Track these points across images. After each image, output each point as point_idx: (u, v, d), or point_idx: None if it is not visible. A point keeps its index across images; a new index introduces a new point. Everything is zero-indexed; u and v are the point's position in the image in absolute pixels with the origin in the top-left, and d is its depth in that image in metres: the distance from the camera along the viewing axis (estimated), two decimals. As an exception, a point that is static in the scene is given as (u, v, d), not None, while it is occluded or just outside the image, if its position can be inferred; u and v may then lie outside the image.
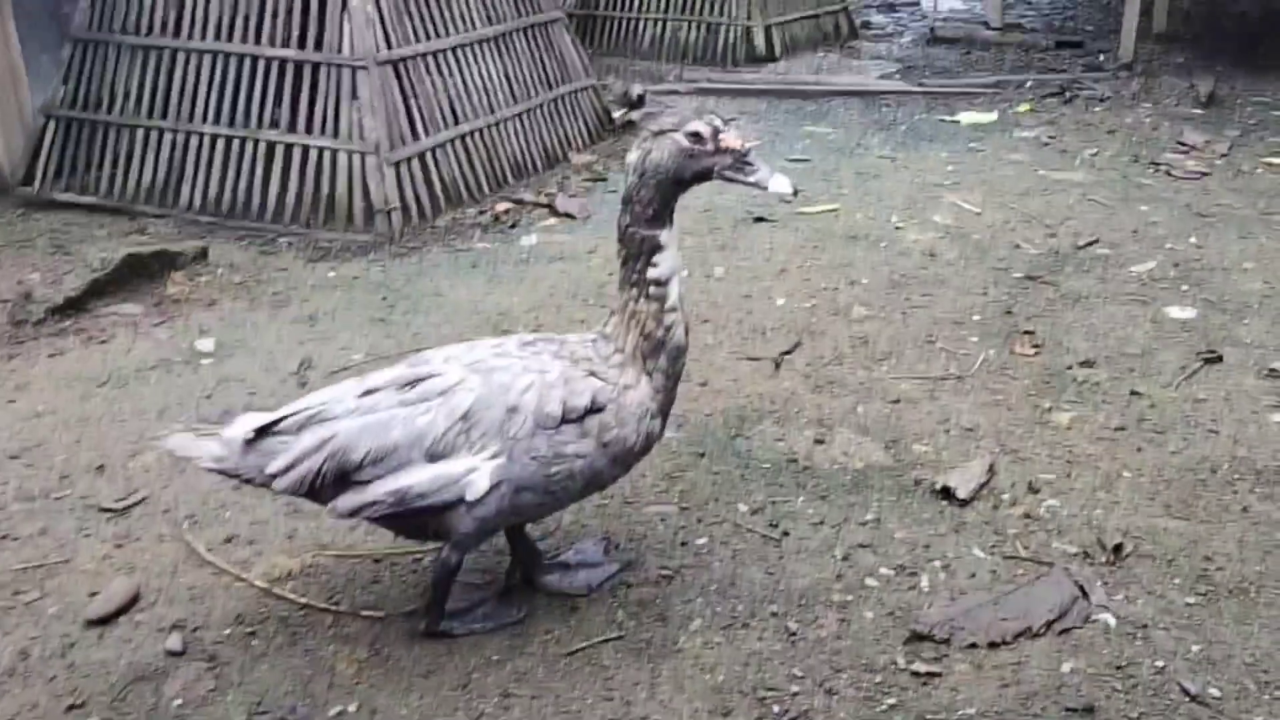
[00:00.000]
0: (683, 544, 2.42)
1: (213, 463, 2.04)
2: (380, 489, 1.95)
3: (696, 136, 1.96)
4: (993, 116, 6.36)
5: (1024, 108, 6.56)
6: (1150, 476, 2.67)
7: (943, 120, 6.33)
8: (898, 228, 4.48)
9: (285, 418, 2.03)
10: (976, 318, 3.62)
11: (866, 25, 9.53)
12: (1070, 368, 3.26)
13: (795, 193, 1.99)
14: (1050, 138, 5.89)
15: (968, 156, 5.54)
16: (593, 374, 2.05)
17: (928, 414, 2.99)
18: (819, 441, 2.84)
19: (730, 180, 1.99)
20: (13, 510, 2.56)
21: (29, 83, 5.15)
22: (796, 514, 2.53)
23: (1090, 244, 4.28)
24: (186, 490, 2.63)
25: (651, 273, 2.02)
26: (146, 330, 3.60)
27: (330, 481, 1.97)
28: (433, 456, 1.96)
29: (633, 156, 2.00)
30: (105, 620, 2.16)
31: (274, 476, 1.98)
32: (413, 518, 2.00)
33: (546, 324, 3.61)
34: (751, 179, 1.98)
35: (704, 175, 1.99)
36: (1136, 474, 2.68)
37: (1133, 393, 3.09)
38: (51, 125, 4.97)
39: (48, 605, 2.23)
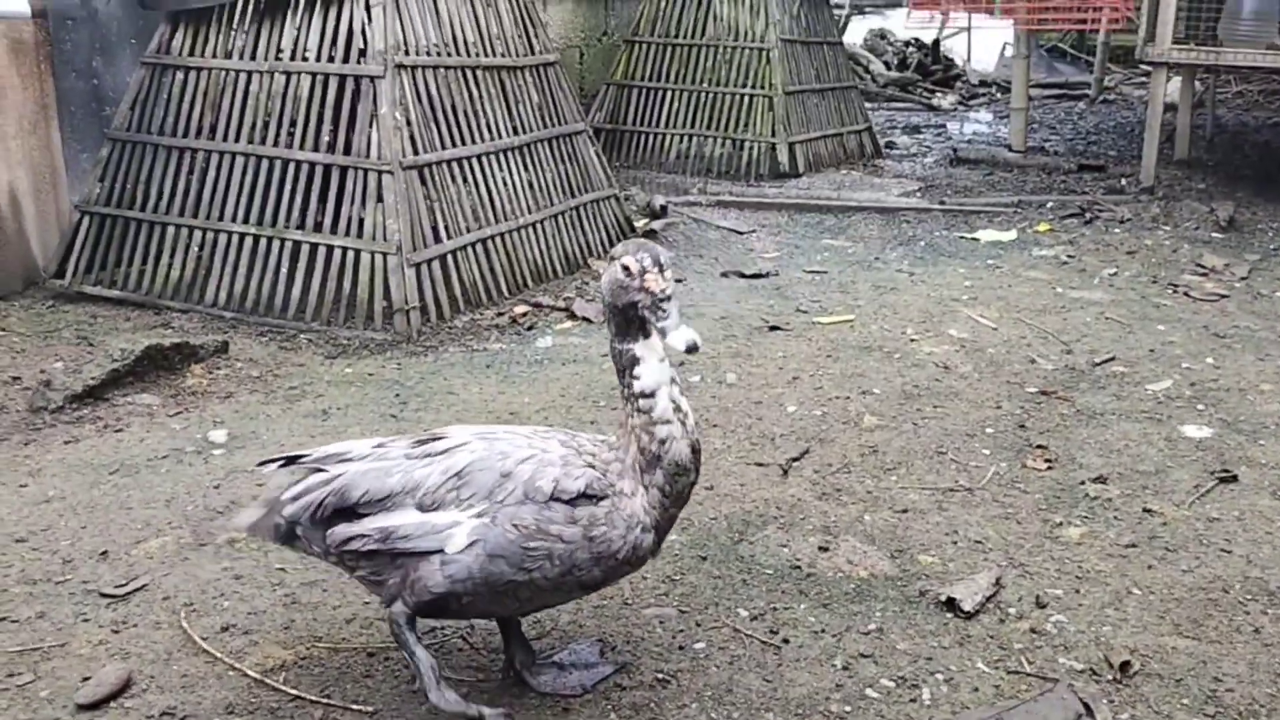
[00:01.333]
0: (680, 648, 2.38)
1: (249, 526, 2.20)
2: (369, 524, 2.06)
3: (626, 270, 1.98)
4: (1012, 235, 6.43)
5: (1043, 227, 6.63)
6: (1161, 595, 2.62)
7: (962, 237, 6.40)
8: (912, 340, 4.50)
9: (308, 455, 2.21)
10: (989, 431, 3.60)
11: (890, 145, 9.71)
12: (1083, 483, 3.22)
13: (693, 349, 1.92)
14: (1069, 257, 5.93)
15: (986, 273, 5.59)
16: (594, 467, 2.05)
17: (935, 525, 2.96)
18: (824, 549, 2.81)
19: (645, 320, 1.98)
20: (14, 593, 2.56)
21: (67, 180, 5.32)
22: (798, 621, 2.49)
23: (1106, 361, 4.27)
24: (187, 579, 2.62)
25: (635, 385, 2.03)
26: (162, 420, 3.64)
27: (328, 514, 2.09)
28: (422, 506, 2.05)
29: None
30: (96, 705, 2.14)
31: (285, 502, 2.13)
32: (390, 561, 2.04)
33: (556, 424, 3.61)
34: (659, 324, 1.95)
35: (632, 307, 1.99)
36: (1147, 592, 2.63)
37: (1145, 510, 3.05)
38: (86, 221, 5.12)
39: (40, 689, 2.21)
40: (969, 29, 15.34)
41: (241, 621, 2.45)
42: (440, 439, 2.16)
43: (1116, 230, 6.57)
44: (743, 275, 5.51)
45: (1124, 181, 7.94)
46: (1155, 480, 3.25)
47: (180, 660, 2.31)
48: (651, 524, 2.06)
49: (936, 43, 14.74)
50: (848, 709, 2.19)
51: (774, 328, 4.64)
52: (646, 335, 2.02)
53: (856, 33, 15.35)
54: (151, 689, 2.21)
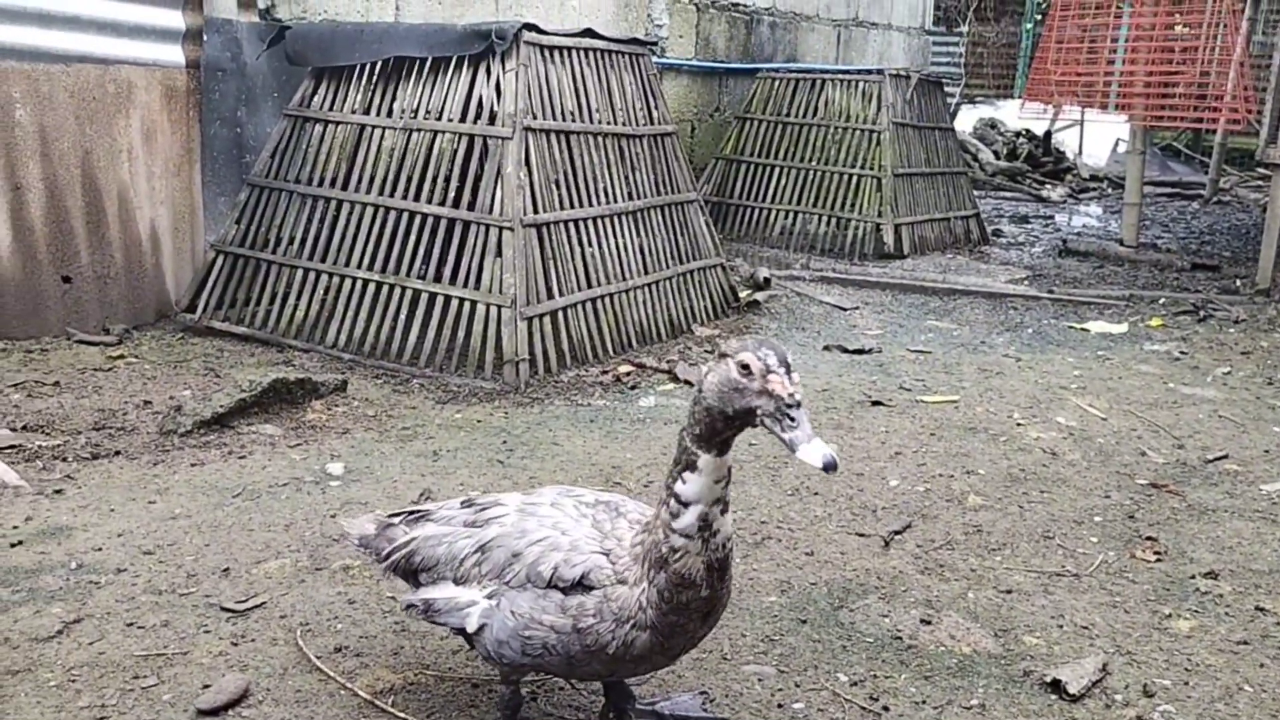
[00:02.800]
0: (779, 706, 2.39)
1: (359, 539, 2.27)
2: (420, 594, 2.12)
3: (745, 369, 1.73)
4: (1123, 328, 6.34)
5: (1156, 322, 6.53)
6: (1273, 693, 2.54)
7: (1071, 327, 6.33)
8: (1019, 424, 4.46)
9: (407, 513, 2.29)
10: (1097, 519, 3.55)
11: (998, 233, 9.68)
12: (1193, 577, 3.15)
13: (830, 468, 1.68)
14: (1181, 353, 5.83)
15: (1095, 364, 5.52)
16: (608, 553, 1.93)
17: (1040, 607, 2.92)
18: (925, 622, 2.79)
19: (768, 429, 1.73)
20: (141, 601, 2.69)
21: (205, 221, 5.62)
22: (898, 691, 2.48)
23: (1219, 459, 4.18)
24: (304, 600, 2.72)
25: (677, 487, 1.84)
26: (283, 450, 3.78)
27: (403, 575, 2.19)
28: (456, 580, 2.08)
29: (703, 369, 1.84)
30: (215, 712, 2.23)
31: (380, 558, 2.22)
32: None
33: (656, 481, 3.67)
34: (785, 435, 1.70)
35: (748, 414, 1.75)
36: (1259, 689, 2.55)
37: (1258, 609, 2.97)
38: (220, 260, 5.38)
39: (163, 692, 2.31)
40: (1081, 122, 15.25)
41: (354, 644, 2.53)
42: (489, 507, 2.13)
43: (1231, 330, 6.43)
44: (845, 350, 5.54)
45: (1239, 283, 7.78)
46: (1269, 580, 3.16)
47: (295, 676, 2.40)
48: (648, 623, 1.88)
49: (1048, 134, 14.68)
50: (948, 781, 2.17)
51: (876, 403, 4.65)
52: (723, 453, 1.81)
53: (967, 121, 15.37)
54: (267, 701, 2.30)
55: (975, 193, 9.91)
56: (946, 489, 3.73)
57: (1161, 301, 7.09)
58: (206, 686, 2.32)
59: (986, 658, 2.65)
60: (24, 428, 3.84)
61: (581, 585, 1.91)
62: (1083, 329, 6.29)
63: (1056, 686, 2.49)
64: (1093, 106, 11.34)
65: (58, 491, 3.35)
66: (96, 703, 2.27)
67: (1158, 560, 3.26)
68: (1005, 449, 4.17)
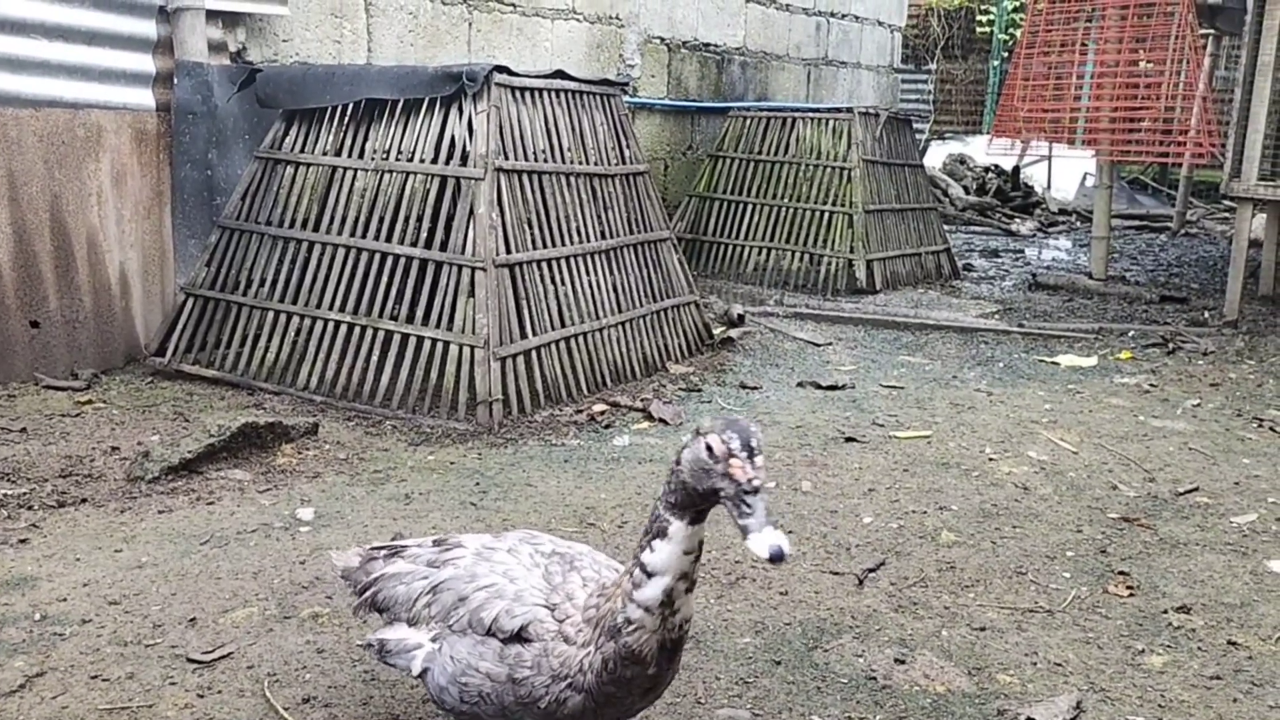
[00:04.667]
0: (753, 750, 2.37)
1: (343, 570, 2.28)
2: (376, 634, 2.12)
3: (709, 450, 1.71)
4: (1092, 361, 6.39)
5: (1125, 355, 6.58)
6: (1249, 730, 2.54)
7: (1041, 360, 6.38)
8: (991, 459, 4.48)
9: (388, 547, 2.26)
10: (1069, 554, 3.56)
11: (969, 268, 9.76)
12: (1165, 612, 3.16)
13: (777, 559, 1.61)
14: (1151, 386, 5.88)
15: (1065, 397, 5.56)
16: (553, 607, 1.89)
17: (1014, 645, 2.92)
18: (900, 661, 2.78)
19: (727, 510, 1.71)
20: (106, 653, 2.65)
21: (175, 264, 5.59)
22: (872, 732, 2.46)
23: (1190, 492, 4.21)
24: (272, 649, 2.68)
25: (645, 555, 1.79)
26: (252, 496, 3.75)
27: (375, 610, 2.18)
28: (409, 620, 2.07)
29: (685, 441, 1.81)
30: (178, 766, 2.19)
31: (356, 591, 2.22)
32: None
33: (631, 521, 3.66)
34: (740, 521, 1.67)
35: (713, 494, 1.72)
36: (1234, 726, 2.56)
37: (1230, 643, 2.98)
38: (190, 303, 5.35)
39: (125, 746, 2.27)
40: (1049, 157, 15.46)
41: (322, 694, 2.50)
42: (452, 547, 2.13)
43: (1200, 362, 6.50)
44: (819, 386, 5.55)
45: (1207, 314, 7.87)
46: (1240, 613, 3.17)
47: (262, 728, 2.36)
48: (584, 686, 1.83)
49: (1016, 170, 14.86)
50: (923, 824, 2.15)
51: (850, 439, 4.66)
52: (696, 522, 1.77)
53: (936, 157, 15.55)
54: (234, 754, 2.26)
55: (946, 228, 10.01)
56: (920, 525, 3.73)
57: (1131, 334, 7.16)
58: (171, 740, 2.28)
59: (961, 697, 2.64)
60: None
61: (520, 637, 1.89)
62: (1053, 362, 6.34)
63: (1031, 725, 2.49)
64: (1060, 141, 11.51)
65: (22, 541, 3.30)
66: (58, 759, 2.22)
67: (1130, 595, 3.27)
68: (978, 484, 4.18)
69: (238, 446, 4.04)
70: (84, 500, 3.64)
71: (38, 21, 4.92)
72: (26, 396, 4.73)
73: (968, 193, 14.24)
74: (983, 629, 3.00)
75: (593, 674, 1.81)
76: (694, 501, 1.75)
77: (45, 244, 5.00)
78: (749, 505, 1.66)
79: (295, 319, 5.12)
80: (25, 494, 3.65)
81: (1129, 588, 3.32)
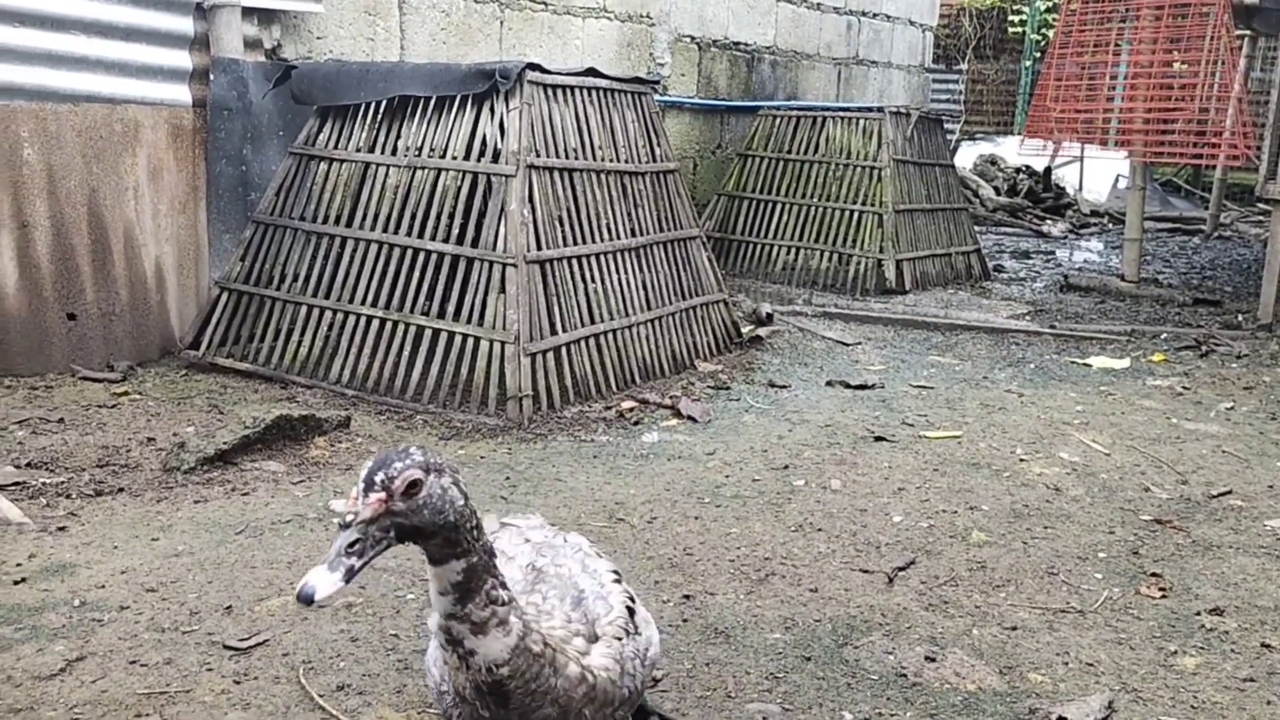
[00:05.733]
0: (784, 745, 2.38)
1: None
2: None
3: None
4: (1125, 363, 6.34)
5: (1158, 357, 6.53)
6: (1284, 733, 2.53)
7: (1073, 362, 6.34)
8: (1022, 460, 4.46)
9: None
10: (1101, 555, 3.54)
11: (999, 269, 9.71)
12: (1198, 614, 3.14)
13: (302, 599, 1.47)
14: (1184, 388, 5.83)
15: (1098, 398, 5.52)
16: (494, 601, 1.67)
17: (1045, 644, 2.91)
18: (930, 659, 2.78)
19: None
20: (144, 639, 2.68)
21: (210, 258, 5.65)
22: (903, 729, 2.46)
23: (1223, 494, 4.17)
24: (306, 638, 2.71)
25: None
26: (286, 487, 3.79)
27: None
28: None
29: None
30: (215, 751, 2.22)
31: None
32: None
33: (660, 517, 3.67)
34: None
35: None
36: (1269, 728, 2.54)
37: (1264, 645, 2.95)
38: (224, 297, 5.40)
39: (164, 730, 2.31)
40: (1081, 159, 15.33)
41: (356, 682, 2.52)
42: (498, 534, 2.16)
43: (1233, 365, 6.43)
44: (848, 385, 5.54)
45: (1241, 318, 7.79)
46: (1275, 616, 3.15)
47: (298, 715, 2.39)
48: (449, 707, 1.81)
49: (1048, 171, 14.75)
50: (954, 820, 2.15)
51: (879, 438, 4.65)
52: (432, 561, 1.62)
53: (967, 157, 15.46)
54: (270, 739, 2.29)
55: (976, 228, 9.95)
56: (950, 525, 3.72)
57: (1163, 337, 7.10)
58: (208, 725, 2.32)
59: (992, 695, 2.64)
60: (28, 465, 3.85)
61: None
62: (1085, 364, 6.30)
63: (1062, 724, 2.48)
64: (1092, 143, 11.42)
65: (61, 529, 3.35)
66: (98, 742, 2.26)
67: (1163, 597, 3.25)
68: (1008, 485, 4.16)
69: (272, 439, 4.08)
70: (121, 489, 3.69)
71: (77, 18, 4.98)
72: (64, 387, 4.80)
73: (998, 194, 14.15)
74: (1014, 628, 2.99)
75: (450, 696, 1.79)
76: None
77: (83, 238, 5.07)
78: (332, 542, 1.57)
79: (328, 313, 5.16)
80: (63, 483, 3.71)
81: (1161, 589, 3.30)
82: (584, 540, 2.18)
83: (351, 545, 1.50)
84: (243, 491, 3.72)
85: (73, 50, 5.00)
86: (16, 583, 2.96)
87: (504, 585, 1.67)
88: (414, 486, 1.54)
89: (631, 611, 1.99)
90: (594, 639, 1.85)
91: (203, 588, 2.97)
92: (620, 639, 1.89)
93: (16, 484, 3.65)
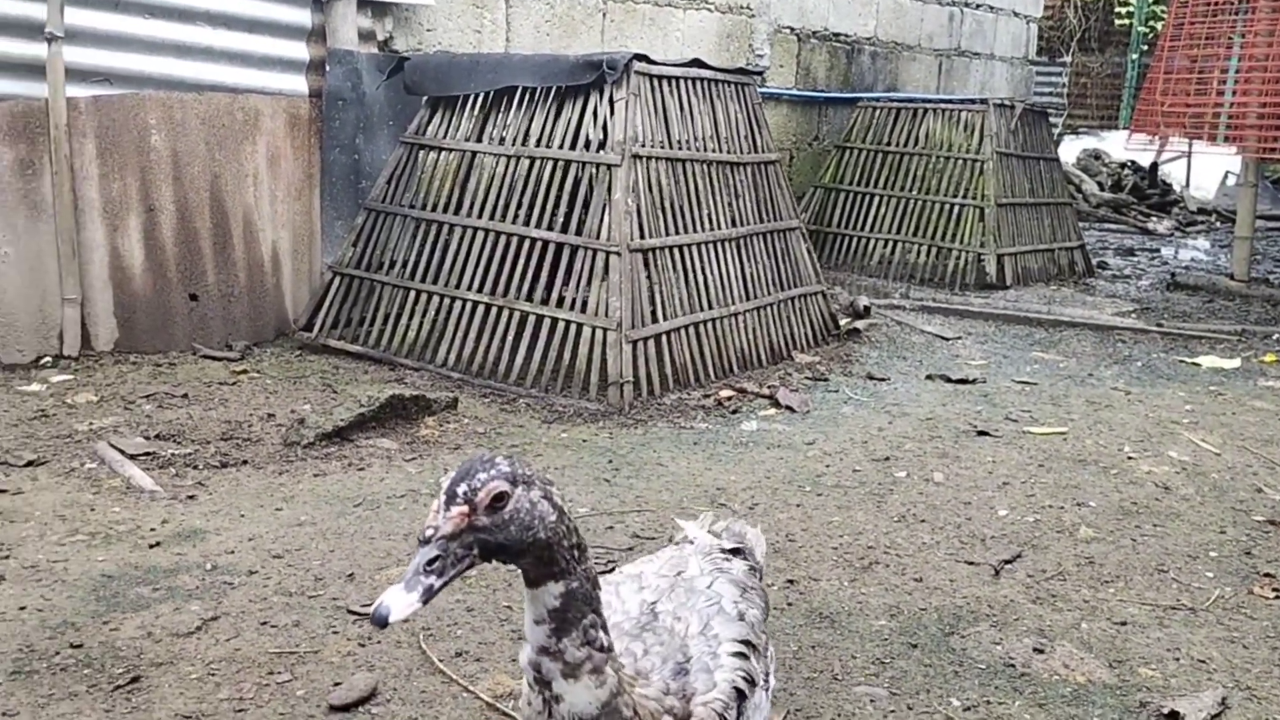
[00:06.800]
0: (892, 727, 2.41)
1: None
2: None
3: None
4: (1235, 363, 6.18)
5: (1270, 358, 6.35)
6: None
7: (1181, 361, 6.20)
8: (1129, 458, 4.39)
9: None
10: (1212, 554, 3.48)
11: (1103, 265, 9.51)
12: (1316, 617, 3.07)
13: (376, 621, 1.36)
14: (1297, 389, 5.66)
15: (1207, 399, 5.39)
16: (591, 642, 1.53)
17: (1156, 640, 2.88)
18: (1038, 651, 2.77)
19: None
20: (272, 601, 2.82)
21: (322, 244, 5.83)
22: (1011, 717, 2.47)
23: (1341, 498, 4.06)
24: (425, 609, 2.81)
25: None
26: (399, 464, 3.91)
27: None
28: None
29: None
30: (346, 708, 2.33)
31: None
32: None
33: (761, 504, 3.70)
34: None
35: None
36: (1393, 732, 2.49)
37: (1389, 650, 2.88)
38: (336, 281, 5.58)
39: (296, 688, 2.42)
40: (1189, 154, 14.88)
41: (473, 649, 2.62)
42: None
43: (1351, 367, 6.23)
44: (949, 379, 5.50)
45: (1359, 319, 7.53)
46: (1399, 623, 3.07)
47: (419, 678, 2.49)
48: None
49: (1154, 166, 14.36)
50: (1065, 807, 2.16)
51: (982, 433, 4.62)
52: (529, 584, 1.49)
53: (1070, 152, 15.12)
54: (395, 700, 2.39)
55: (1079, 224, 9.75)
56: (1057, 520, 3.69)
57: (1275, 337, 6.89)
58: (337, 684, 2.43)
59: (1101, 688, 2.62)
60: (157, 436, 4.04)
61: None
62: (1193, 363, 6.15)
63: (1174, 718, 2.46)
64: (1201, 138, 11.09)
65: (190, 497, 3.52)
66: (235, 695, 2.39)
67: (1276, 597, 3.19)
68: (1116, 482, 4.10)
69: (384, 417, 4.22)
70: (244, 462, 3.85)
71: (203, 9, 5.19)
72: (186, 365, 5.01)
73: (1102, 189, 13.83)
74: (1123, 623, 2.97)
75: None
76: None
77: (205, 222, 5.28)
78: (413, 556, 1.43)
79: (435, 298, 5.29)
80: (191, 454, 3.88)
81: (1275, 590, 3.23)
82: (734, 581, 1.94)
83: (431, 563, 1.37)
84: (359, 467, 3.85)
85: (198, 41, 5.21)
86: (152, 546, 3.12)
87: (605, 628, 1.51)
88: (500, 499, 1.41)
89: (742, 695, 1.71)
90: (687, 718, 1.63)
91: (325, 556, 3.10)
92: None
93: (147, 454, 3.83)
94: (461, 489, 1.40)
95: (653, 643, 1.71)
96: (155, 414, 4.30)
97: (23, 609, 2.72)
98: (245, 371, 4.96)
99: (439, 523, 1.39)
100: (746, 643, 1.78)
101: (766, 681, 1.87)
